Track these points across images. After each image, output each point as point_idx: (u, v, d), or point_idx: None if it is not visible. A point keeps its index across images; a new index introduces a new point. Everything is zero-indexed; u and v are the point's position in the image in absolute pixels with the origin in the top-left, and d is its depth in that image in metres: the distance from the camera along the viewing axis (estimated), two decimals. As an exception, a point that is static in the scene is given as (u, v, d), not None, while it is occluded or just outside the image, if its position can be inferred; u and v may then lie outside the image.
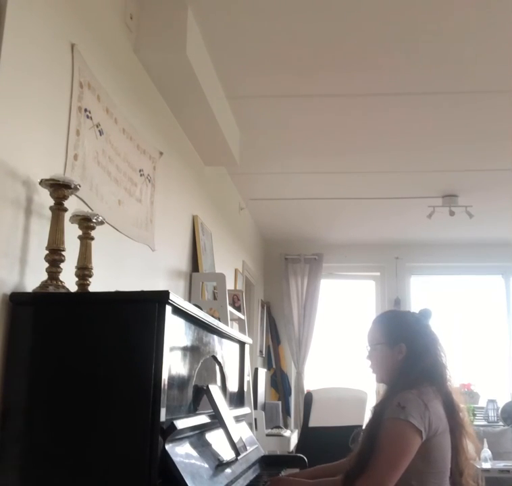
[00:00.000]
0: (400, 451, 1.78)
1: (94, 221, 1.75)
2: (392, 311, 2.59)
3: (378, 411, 1.89)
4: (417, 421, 1.78)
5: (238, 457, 1.97)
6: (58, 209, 1.64)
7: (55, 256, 1.61)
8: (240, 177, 4.78)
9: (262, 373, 5.19)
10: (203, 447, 1.79)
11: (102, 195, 2.17)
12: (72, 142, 1.93)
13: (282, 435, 4.64)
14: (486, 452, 5.33)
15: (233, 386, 2.50)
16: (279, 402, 5.99)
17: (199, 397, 1.91)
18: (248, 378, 3.57)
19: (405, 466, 1.78)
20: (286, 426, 6.22)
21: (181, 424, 1.56)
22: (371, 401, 4.40)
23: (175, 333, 1.66)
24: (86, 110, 2.04)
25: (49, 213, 1.65)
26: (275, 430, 4.79)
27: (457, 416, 1.92)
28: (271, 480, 2.04)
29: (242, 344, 2.67)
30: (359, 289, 7.23)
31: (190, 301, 3.32)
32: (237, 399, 2.56)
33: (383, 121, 3.74)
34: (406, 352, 1.97)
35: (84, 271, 1.71)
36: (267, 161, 4.46)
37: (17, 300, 1.56)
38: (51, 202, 1.64)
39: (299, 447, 4.15)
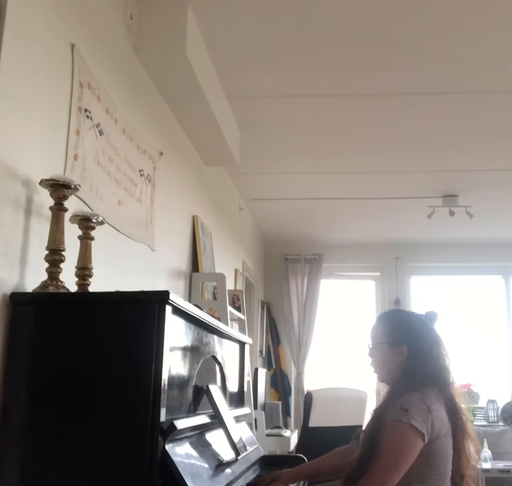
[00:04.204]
0: (402, 454, 1.78)
1: (94, 221, 1.75)
2: (397, 311, 2.55)
3: (380, 413, 1.88)
4: (420, 424, 1.78)
5: (238, 458, 1.97)
6: (58, 209, 1.64)
7: (55, 256, 1.61)
8: (240, 177, 4.78)
9: (262, 373, 5.18)
10: (203, 447, 1.79)
11: (102, 195, 2.17)
12: (72, 142, 1.93)
13: (282, 435, 4.64)
14: (486, 452, 5.33)
15: (233, 386, 2.50)
16: (279, 402, 5.99)
17: (199, 397, 1.91)
18: (248, 378, 3.57)
19: (406, 469, 1.78)
20: (286, 426, 6.22)
21: (181, 424, 1.56)
22: (371, 402, 4.40)
23: (175, 333, 1.66)
24: (86, 110, 2.04)
25: (49, 213, 1.65)
26: (275, 431, 4.79)
27: (459, 419, 1.91)
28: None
29: (242, 344, 2.66)
30: (359, 289, 7.23)
31: (190, 301, 3.32)
32: (237, 399, 2.56)
33: (383, 121, 3.74)
34: (408, 355, 1.96)
35: (84, 271, 1.71)
36: (267, 161, 4.46)
37: (17, 300, 1.56)
38: (51, 202, 1.64)
39: (299, 447, 4.15)
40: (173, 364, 1.63)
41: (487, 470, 5.18)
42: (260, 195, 5.22)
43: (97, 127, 2.14)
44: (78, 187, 1.67)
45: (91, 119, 2.09)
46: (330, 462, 2.16)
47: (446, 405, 1.89)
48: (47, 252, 1.62)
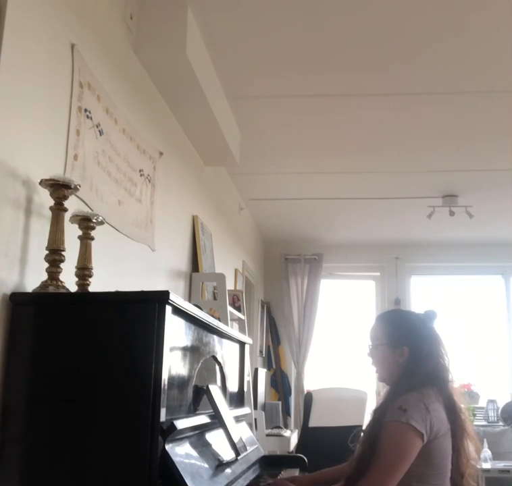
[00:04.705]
0: (401, 454, 1.78)
1: (94, 221, 1.75)
2: (397, 311, 2.56)
3: (379, 413, 1.88)
4: (419, 424, 1.78)
5: (238, 458, 1.97)
6: (58, 209, 1.64)
7: (55, 256, 1.61)
8: (240, 177, 4.78)
9: (262, 373, 5.18)
10: (203, 447, 1.78)
11: (102, 195, 2.17)
12: (72, 142, 1.93)
13: (282, 435, 4.64)
14: (486, 452, 5.33)
15: (233, 386, 2.50)
16: (279, 402, 5.99)
17: (199, 397, 1.91)
18: (248, 378, 3.56)
19: (406, 469, 1.78)
20: (286, 426, 6.22)
21: (181, 424, 1.56)
22: (371, 402, 4.40)
23: (175, 333, 1.66)
24: (86, 110, 2.04)
25: (49, 213, 1.65)
26: (275, 431, 4.79)
27: (458, 418, 1.91)
28: (273, 483, 2.04)
29: (242, 344, 2.66)
30: (359, 289, 7.23)
31: (190, 301, 3.32)
32: (237, 399, 2.56)
33: (383, 121, 3.74)
34: (409, 355, 1.96)
35: (84, 271, 1.71)
36: (267, 161, 4.46)
37: (17, 300, 1.56)
38: (51, 202, 1.64)
39: (299, 447, 4.15)
40: (173, 364, 1.63)
41: (487, 470, 5.18)
42: (260, 195, 5.22)
43: (97, 127, 2.14)
44: (78, 187, 1.67)
45: (91, 119, 2.09)
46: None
47: (445, 404, 1.89)
48: (47, 252, 1.62)
